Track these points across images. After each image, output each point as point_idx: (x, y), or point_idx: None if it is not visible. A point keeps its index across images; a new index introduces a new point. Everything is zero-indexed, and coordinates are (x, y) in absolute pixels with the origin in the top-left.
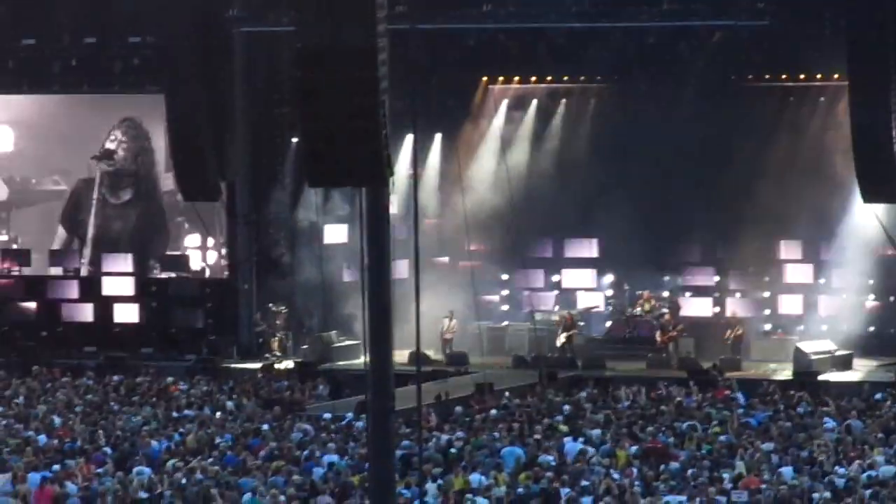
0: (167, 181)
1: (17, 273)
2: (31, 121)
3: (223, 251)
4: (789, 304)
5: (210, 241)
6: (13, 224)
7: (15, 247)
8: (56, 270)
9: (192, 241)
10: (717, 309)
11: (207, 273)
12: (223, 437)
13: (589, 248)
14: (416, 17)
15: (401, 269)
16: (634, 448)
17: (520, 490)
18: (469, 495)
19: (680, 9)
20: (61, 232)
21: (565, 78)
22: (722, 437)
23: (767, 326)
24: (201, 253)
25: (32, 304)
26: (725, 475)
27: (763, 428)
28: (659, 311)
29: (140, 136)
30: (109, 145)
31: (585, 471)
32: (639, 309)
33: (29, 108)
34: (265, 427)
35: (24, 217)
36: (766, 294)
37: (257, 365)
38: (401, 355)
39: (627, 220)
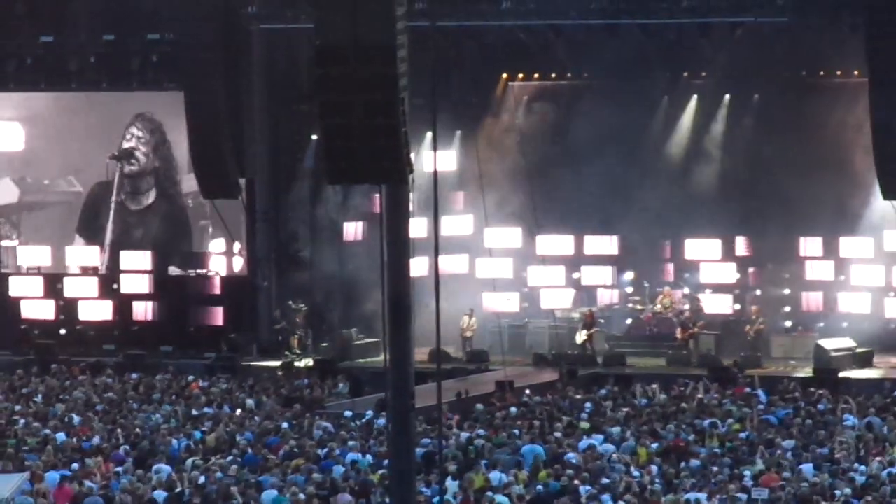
0: (189, 182)
1: (35, 271)
2: (45, 118)
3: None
4: (810, 301)
5: (236, 247)
6: (24, 227)
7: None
8: (75, 269)
9: (216, 245)
10: (738, 306)
11: (226, 271)
12: (243, 435)
13: (609, 245)
14: (436, 15)
15: (420, 266)
16: (655, 445)
17: (539, 488)
18: (489, 493)
19: (699, 5)
20: (79, 241)
21: (585, 75)
22: (742, 435)
23: (788, 323)
24: (226, 259)
25: (51, 302)
26: (746, 472)
27: (784, 425)
28: (679, 308)
29: (156, 130)
30: (127, 144)
31: (606, 468)
32: (658, 306)
33: (43, 105)
34: (285, 425)
35: (37, 220)
36: (787, 291)
37: (277, 363)
38: (421, 353)
39: (647, 216)
